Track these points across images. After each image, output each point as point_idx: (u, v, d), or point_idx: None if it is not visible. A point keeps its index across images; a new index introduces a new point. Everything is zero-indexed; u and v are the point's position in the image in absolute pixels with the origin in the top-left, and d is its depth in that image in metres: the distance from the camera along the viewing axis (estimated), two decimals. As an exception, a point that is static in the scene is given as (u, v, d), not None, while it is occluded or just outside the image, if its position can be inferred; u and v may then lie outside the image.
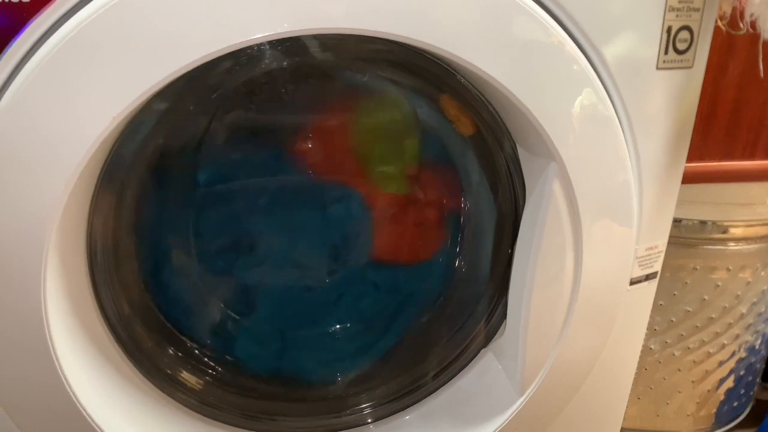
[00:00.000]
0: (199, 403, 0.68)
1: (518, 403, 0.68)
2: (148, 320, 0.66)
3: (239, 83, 0.60)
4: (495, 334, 0.72)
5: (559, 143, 0.56)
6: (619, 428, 0.83)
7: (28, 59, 0.46)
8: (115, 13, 0.45)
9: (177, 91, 0.54)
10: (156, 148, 0.60)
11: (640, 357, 0.79)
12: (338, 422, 0.74)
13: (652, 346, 1.11)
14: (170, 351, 0.69)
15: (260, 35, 0.47)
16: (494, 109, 0.61)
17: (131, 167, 0.58)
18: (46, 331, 0.52)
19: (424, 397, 0.74)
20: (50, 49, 0.45)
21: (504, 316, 0.69)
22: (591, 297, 0.64)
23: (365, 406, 0.75)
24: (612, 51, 0.56)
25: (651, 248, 0.69)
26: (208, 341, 0.72)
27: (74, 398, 0.56)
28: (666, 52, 0.59)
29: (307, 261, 0.77)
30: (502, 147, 0.64)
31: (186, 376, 0.68)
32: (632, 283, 0.69)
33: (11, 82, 0.46)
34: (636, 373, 0.80)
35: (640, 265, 0.68)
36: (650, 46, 0.58)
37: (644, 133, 0.61)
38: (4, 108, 0.46)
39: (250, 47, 0.48)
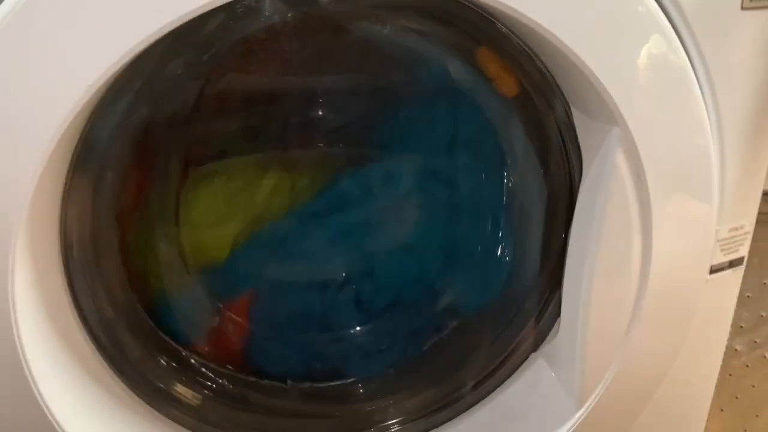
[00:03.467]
0: (197, 422, 0.69)
1: (576, 417, 0.68)
2: (134, 325, 0.67)
3: (235, 41, 0.60)
4: (547, 336, 0.72)
5: (622, 103, 0.55)
6: (699, 445, 0.83)
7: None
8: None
9: (161, 53, 0.54)
10: (139, 120, 0.60)
11: (724, 360, 0.79)
12: (362, 442, 0.74)
13: (737, 348, 1.10)
14: (162, 361, 0.69)
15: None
16: (543, 63, 0.61)
17: (109, 145, 0.58)
18: (15, 336, 0.53)
19: (462, 411, 0.74)
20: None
21: (557, 314, 0.69)
22: (663, 289, 0.63)
23: (393, 423, 0.75)
24: (686, -13, 0.56)
25: (735, 228, 0.68)
26: (206, 349, 0.73)
27: (49, 414, 0.57)
28: (753, -12, 0.58)
29: (319, 251, 0.77)
30: (553, 110, 0.64)
31: (181, 389, 0.69)
32: (713, 271, 0.68)
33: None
34: (719, 380, 0.80)
35: (722, 250, 0.68)
36: (734, -21, 0.57)
37: (726, 88, 0.60)
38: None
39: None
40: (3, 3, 0.46)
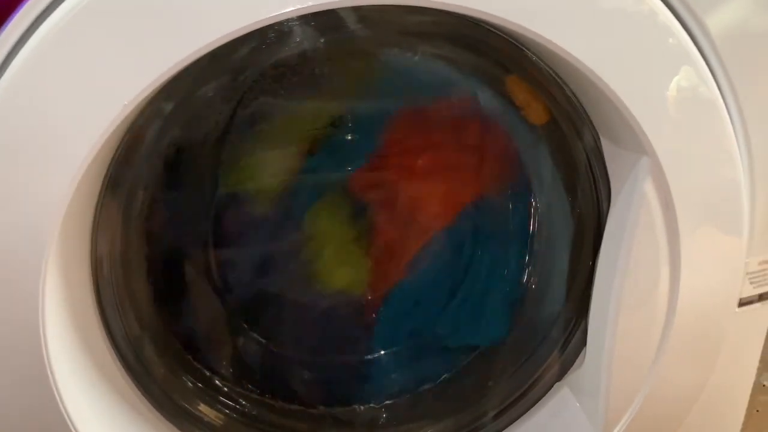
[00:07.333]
0: (219, 442, 0.69)
1: (600, 449, 0.67)
2: (159, 343, 0.68)
3: (267, 65, 0.61)
4: (572, 365, 0.71)
5: (651, 133, 0.55)
6: (725, 483, 0.81)
7: (28, 38, 0.47)
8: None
9: (194, 76, 0.55)
10: (171, 141, 0.61)
11: (751, 396, 0.77)
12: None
13: (765, 383, 1.08)
14: (186, 380, 0.70)
15: (291, 9, 0.47)
16: (572, 92, 0.61)
17: (142, 165, 0.59)
18: (43, 348, 0.53)
19: (484, 440, 0.73)
20: (52, 26, 0.47)
21: (583, 343, 0.69)
22: (690, 321, 0.63)
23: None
24: (718, 20, 0.56)
25: (766, 262, 0.67)
26: (230, 370, 0.74)
27: (71, 427, 0.57)
28: (787, 20, 0.58)
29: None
30: (582, 138, 0.64)
31: (204, 409, 0.70)
32: (741, 304, 0.67)
33: (8, 66, 0.47)
34: (746, 416, 0.78)
35: (751, 283, 0.67)
36: (766, 13, 0.57)
37: (757, 121, 0.60)
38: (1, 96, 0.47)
39: (279, 23, 0.49)
40: (41, 25, 0.47)
